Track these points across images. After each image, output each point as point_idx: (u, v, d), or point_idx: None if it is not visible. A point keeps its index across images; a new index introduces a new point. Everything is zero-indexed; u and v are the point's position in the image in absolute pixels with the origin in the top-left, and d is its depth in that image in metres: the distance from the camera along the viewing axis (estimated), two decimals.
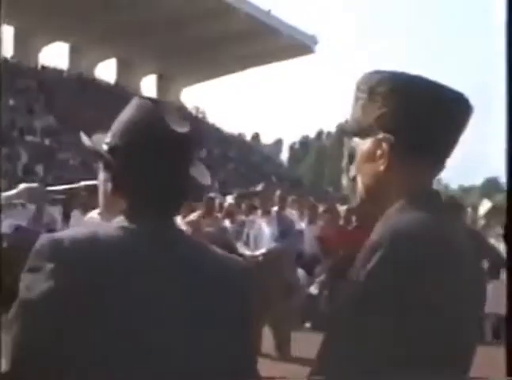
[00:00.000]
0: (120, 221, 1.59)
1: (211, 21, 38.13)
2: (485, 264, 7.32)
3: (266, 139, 77.43)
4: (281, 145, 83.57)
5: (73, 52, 41.18)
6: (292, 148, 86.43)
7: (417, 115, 1.67)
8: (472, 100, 1.70)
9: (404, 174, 1.69)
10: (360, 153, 1.76)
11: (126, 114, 1.65)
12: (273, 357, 7.56)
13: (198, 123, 43.07)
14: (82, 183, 2.31)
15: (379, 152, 1.69)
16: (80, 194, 7.29)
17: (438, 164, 1.75)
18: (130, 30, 36.99)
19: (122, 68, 44.10)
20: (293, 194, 13.00)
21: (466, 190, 73.34)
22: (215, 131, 44.90)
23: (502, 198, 60.40)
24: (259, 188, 11.51)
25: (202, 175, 1.67)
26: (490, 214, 12.03)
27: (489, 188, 71.95)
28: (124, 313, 1.49)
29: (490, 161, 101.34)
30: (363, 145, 1.75)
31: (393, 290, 1.58)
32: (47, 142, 27.63)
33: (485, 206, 13.13)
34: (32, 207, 7.69)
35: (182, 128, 1.61)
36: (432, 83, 1.71)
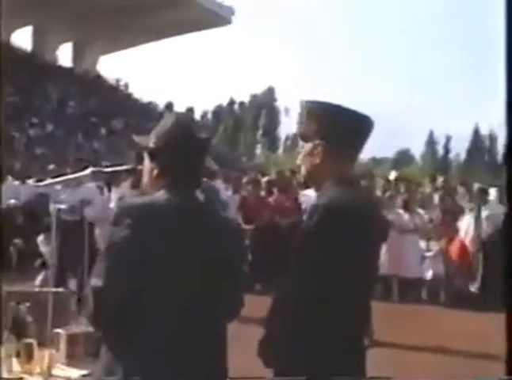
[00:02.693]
0: (162, 193, 2.63)
1: None
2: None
3: (179, 108, 77.45)
4: (193, 113, 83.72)
5: None
6: (203, 117, 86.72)
7: (338, 129, 2.80)
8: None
9: (331, 165, 2.82)
10: (304, 151, 2.89)
11: (166, 123, 2.69)
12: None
13: (115, 93, 43.20)
14: (126, 166, 3.30)
15: (316, 151, 2.83)
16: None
17: (353, 158, 2.89)
18: None
19: (38, 36, 43.67)
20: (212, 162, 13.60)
21: (378, 162, 75.54)
22: (132, 101, 45.09)
23: (411, 169, 61.67)
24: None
25: (210, 164, 2.74)
26: (396, 183, 13.48)
27: (400, 160, 74.56)
28: (164, 249, 2.54)
29: (401, 135, 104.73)
30: (307, 146, 2.87)
31: (324, 240, 2.69)
32: None
33: (392, 176, 14.61)
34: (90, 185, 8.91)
35: (202, 134, 2.69)
36: (346, 109, 2.86)
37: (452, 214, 11.76)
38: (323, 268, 2.63)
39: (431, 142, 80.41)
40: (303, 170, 2.93)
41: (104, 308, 2.47)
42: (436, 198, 12.44)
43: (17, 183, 13.00)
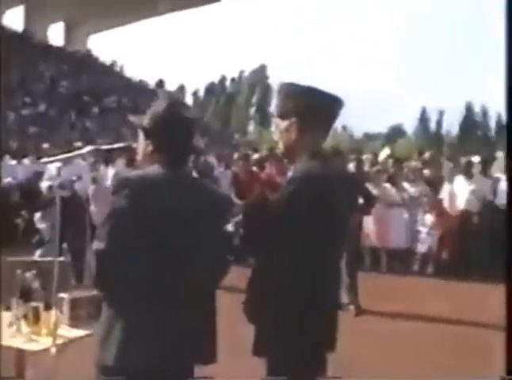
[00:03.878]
0: (156, 167, 2.92)
1: None
2: (361, 201, 8.82)
3: (170, 86, 77.41)
4: (184, 91, 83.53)
5: None
6: (195, 94, 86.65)
7: (311, 108, 3.10)
8: None
9: (305, 140, 3.14)
10: (281, 127, 3.19)
11: (158, 104, 2.98)
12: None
13: (107, 72, 43.23)
14: (122, 144, 3.58)
15: (291, 128, 3.14)
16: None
17: (324, 134, 3.20)
18: None
19: (29, 16, 43.69)
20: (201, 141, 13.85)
21: (371, 137, 75.71)
22: (124, 80, 45.17)
23: (404, 142, 61.86)
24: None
25: (198, 142, 3.02)
26: (387, 159, 13.80)
27: (393, 135, 74.79)
28: (158, 217, 2.83)
29: (393, 110, 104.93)
30: (282, 123, 3.17)
31: (297, 208, 2.99)
32: None
33: (384, 153, 14.91)
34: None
35: (190, 115, 2.98)
36: (319, 90, 3.17)
37: (436, 188, 12.07)
38: (297, 235, 2.95)
39: (424, 117, 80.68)
40: (280, 145, 3.25)
41: (105, 268, 2.77)
42: (423, 172, 12.70)
43: (13, 162, 13.27)
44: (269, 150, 13.85)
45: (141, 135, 3.02)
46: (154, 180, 2.88)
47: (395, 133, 76.59)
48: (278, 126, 3.24)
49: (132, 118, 3.07)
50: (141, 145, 3.03)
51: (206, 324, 2.99)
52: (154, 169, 2.92)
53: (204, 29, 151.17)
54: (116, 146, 3.69)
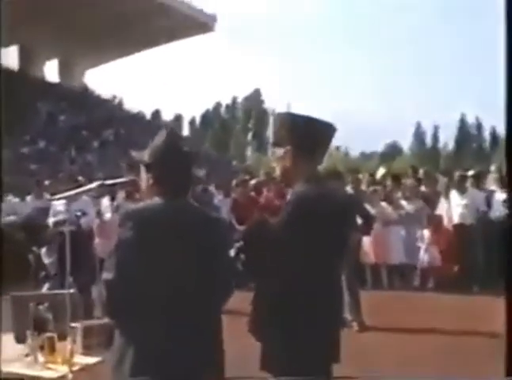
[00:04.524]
0: (157, 199, 3.13)
1: (108, 2, 38.58)
2: (359, 221, 9.09)
3: (167, 116, 77.85)
4: (182, 121, 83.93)
5: None
6: (192, 123, 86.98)
7: (304, 136, 3.32)
8: None
9: (300, 167, 3.35)
10: (277, 155, 3.41)
11: (157, 140, 3.20)
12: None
13: (104, 105, 43.52)
14: (124, 178, 3.80)
15: (286, 156, 3.35)
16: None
17: (318, 160, 3.41)
18: (30, 15, 36.97)
19: (24, 54, 44.04)
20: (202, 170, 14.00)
21: (367, 156, 75.97)
22: (121, 112, 45.51)
23: (400, 159, 61.72)
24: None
25: (197, 172, 3.23)
26: (384, 178, 14.01)
27: (389, 152, 75.11)
28: (162, 246, 3.04)
29: (388, 127, 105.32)
30: (279, 151, 3.39)
31: (294, 230, 3.20)
32: None
33: (380, 172, 15.14)
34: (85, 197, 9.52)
35: (187, 149, 3.20)
36: (312, 119, 3.38)
37: (432, 203, 12.29)
38: (296, 254, 3.16)
39: (419, 132, 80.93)
40: (277, 171, 3.49)
41: (115, 297, 2.97)
42: (418, 189, 12.90)
43: (16, 199, 13.46)
44: (267, 175, 14.05)
45: (143, 170, 3.24)
46: (155, 211, 3.09)
47: (391, 150, 76.92)
48: (274, 153, 3.46)
49: (134, 153, 3.30)
50: (143, 178, 3.24)
51: (214, 347, 3.18)
52: (155, 201, 3.13)
53: (196, 59, 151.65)
54: (119, 180, 3.91)
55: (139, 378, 2.92)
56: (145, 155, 3.21)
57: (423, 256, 11.87)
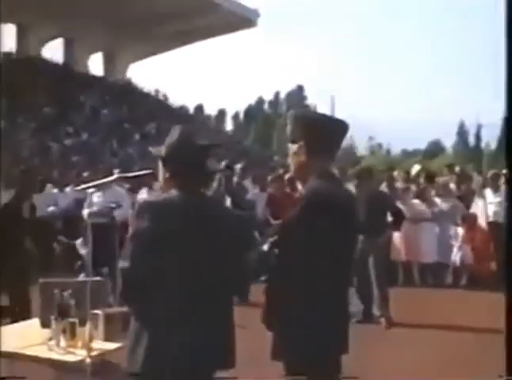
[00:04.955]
0: (174, 192, 3.26)
1: None
2: (390, 218, 9.21)
3: (210, 111, 78.34)
4: (225, 115, 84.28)
5: (20, 33, 41.35)
6: (235, 118, 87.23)
7: (317, 133, 3.42)
8: None
9: (313, 162, 3.44)
10: (292, 151, 3.51)
11: (172, 135, 3.32)
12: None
13: (147, 99, 43.81)
14: (147, 171, 3.93)
15: (300, 151, 3.44)
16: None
17: (331, 157, 3.51)
18: (75, 8, 37.33)
19: (69, 47, 44.51)
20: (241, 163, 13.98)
21: (409, 154, 75.52)
22: (164, 106, 45.75)
23: (443, 158, 61.16)
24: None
25: (213, 165, 3.34)
26: (419, 175, 14.03)
27: (431, 150, 74.55)
28: (179, 237, 3.16)
29: (431, 126, 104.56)
30: (294, 147, 3.49)
31: (306, 224, 3.30)
32: (2, 124, 27.78)
33: (415, 169, 15.14)
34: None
35: (204, 142, 3.31)
36: (325, 116, 3.49)
37: (467, 201, 12.28)
38: (307, 248, 3.26)
39: (462, 131, 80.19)
40: (291, 167, 3.58)
41: (130, 284, 3.11)
42: (452, 187, 12.90)
43: (55, 190, 13.75)
44: None
45: (160, 164, 3.37)
46: (170, 203, 3.22)
47: (434, 149, 76.33)
48: (290, 149, 3.57)
49: (153, 149, 3.42)
50: (161, 172, 3.37)
51: (225, 333, 3.29)
52: (171, 194, 3.26)
53: (240, 53, 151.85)
54: (140, 173, 4.05)
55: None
56: (162, 150, 3.34)
57: (456, 254, 11.85)
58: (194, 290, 3.15)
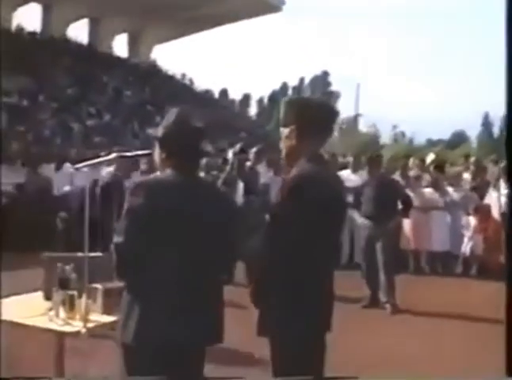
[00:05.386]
0: (168, 172, 3.38)
1: None
2: (399, 205, 9.31)
3: (234, 95, 78.30)
4: (249, 100, 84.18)
5: (45, 13, 41.50)
6: (260, 103, 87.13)
7: (308, 117, 3.54)
8: None
9: (304, 146, 3.56)
10: (284, 135, 3.63)
11: (169, 117, 3.45)
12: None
13: (171, 82, 43.92)
14: (145, 151, 4.06)
15: (291, 135, 3.56)
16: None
17: (322, 141, 3.62)
18: None
19: (94, 28, 44.59)
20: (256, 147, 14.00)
21: (433, 143, 75.14)
22: (188, 89, 45.86)
23: (465, 148, 60.81)
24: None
25: (207, 147, 3.46)
26: (432, 164, 14.09)
27: (455, 140, 74.10)
28: (172, 216, 3.29)
29: (456, 116, 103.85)
30: (285, 131, 3.61)
31: (292, 205, 3.41)
32: (24, 103, 28.02)
33: (429, 158, 15.23)
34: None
35: (199, 123, 3.43)
36: (316, 101, 3.62)
37: (481, 192, 12.32)
38: (294, 228, 3.38)
39: (487, 122, 79.65)
40: (283, 150, 3.70)
41: (123, 258, 3.24)
42: (463, 176, 12.94)
43: (72, 169, 13.91)
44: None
45: (156, 144, 3.50)
46: (165, 182, 3.35)
47: (457, 139, 75.83)
48: (282, 133, 3.69)
49: (150, 130, 3.56)
50: (157, 153, 3.50)
51: (214, 309, 3.44)
52: (166, 173, 3.39)
53: (266, 38, 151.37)
54: (139, 152, 4.17)
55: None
56: (159, 130, 3.47)
57: (467, 244, 11.91)
58: (184, 266, 3.28)
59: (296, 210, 3.38)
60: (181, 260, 3.28)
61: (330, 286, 3.63)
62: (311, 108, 3.62)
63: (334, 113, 3.74)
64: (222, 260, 3.49)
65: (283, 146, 3.69)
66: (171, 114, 3.48)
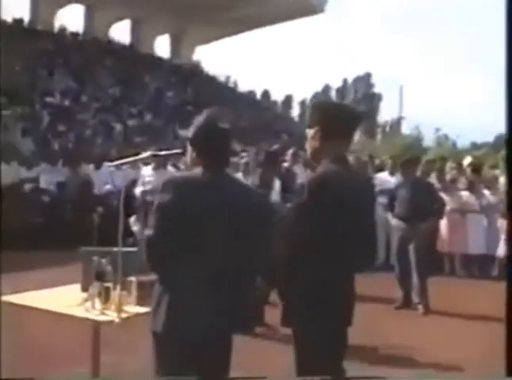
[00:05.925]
0: (199, 170, 3.55)
1: None
2: (435, 207, 9.38)
3: (276, 97, 78.36)
4: (292, 101, 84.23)
5: (88, 14, 41.98)
6: (302, 104, 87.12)
7: (332, 119, 3.70)
8: None
9: (326, 147, 3.72)
10: (309, 136, 3.79)
11: (199, 118, 3.63)
12: None
13: (212, 83, 44.14)
14: (176, 150, 4.25)
15: (316, 136, 3.72)
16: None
17: (345, 144, 3.78)
18: None
19: (136, 29, 44.92)
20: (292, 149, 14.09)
21: (477, 147, 74.57)
22: (229, 90, 46.03)
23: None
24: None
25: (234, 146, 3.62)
26: (469, 166, 14.12)
27: (500, 143, 73.39)
28: (200, 211, 3.46)
29: (499, 119, 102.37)
30: (310, 132, 3.77)
31: (314, 203, 3.56)
32: (66, 103, 28.36)
33: (466, 161, 15.27)
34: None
35: (225, 126, 3.60)
36: (341, 104, 3.80)
37: None
38: (317, 227, 3.54)
39: None
40: (308, 150, 3.86)
41: (154, 250, 3.43)
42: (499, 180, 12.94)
43: (112, 169, 14.17)
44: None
45: (188, 144, 3.68)
46: (193, 179, 3.54)
47: (502, 142, 75.08)
48: (307, 134, 3.85)
49: (181, 131, 3.75)
50: (188, 152, 3.68)
51: (244, 299, 3.58)
52: (196, 171, 3.57)
53: (308, 38, 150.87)
54: (172, 151, 4.36)
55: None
56: (190, 131, 3.66)
57: (503, 247, 11.90)
58: (212, 259, 3.45)
59: (315, 209, 3.54)
60: (210, 254, 3.44)
61: (351, 284, 3.77)
62: (334, 112, 3.80)
63: (357, 118, 3.91)
64: (253, 254, 3.60)
65: (308, 146, 3.85)
66: (202, 115, 3.66)
